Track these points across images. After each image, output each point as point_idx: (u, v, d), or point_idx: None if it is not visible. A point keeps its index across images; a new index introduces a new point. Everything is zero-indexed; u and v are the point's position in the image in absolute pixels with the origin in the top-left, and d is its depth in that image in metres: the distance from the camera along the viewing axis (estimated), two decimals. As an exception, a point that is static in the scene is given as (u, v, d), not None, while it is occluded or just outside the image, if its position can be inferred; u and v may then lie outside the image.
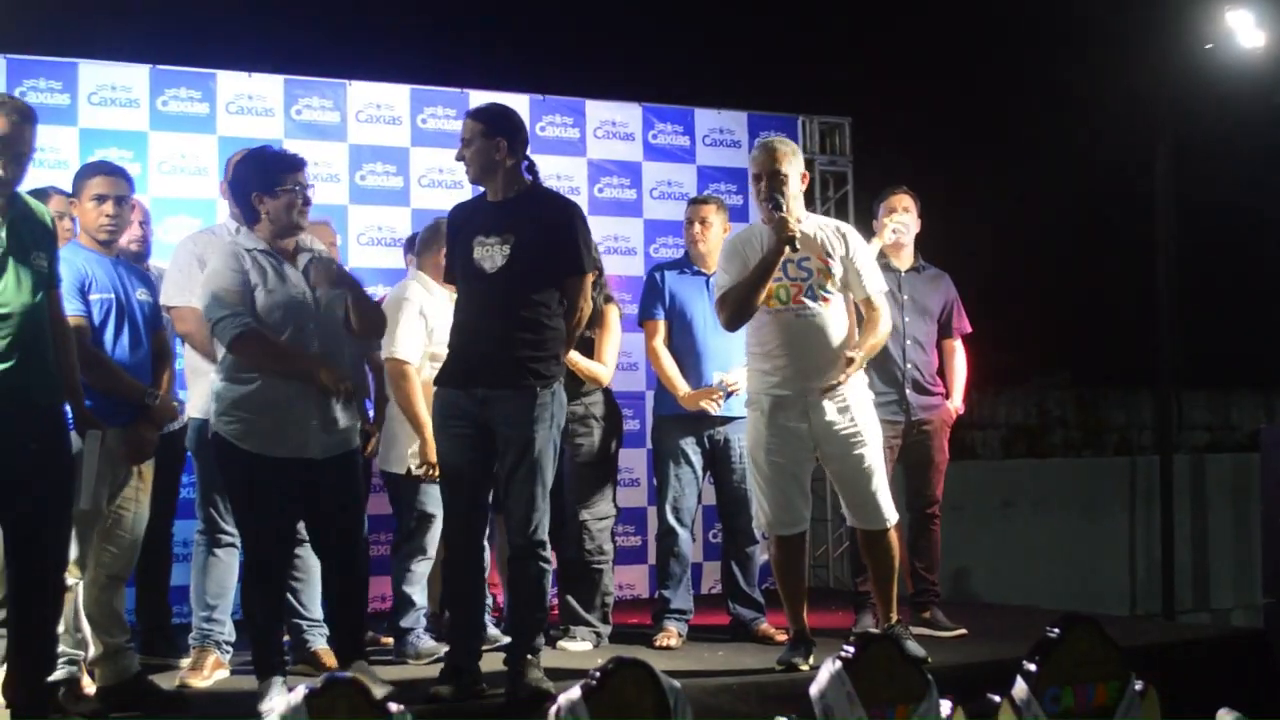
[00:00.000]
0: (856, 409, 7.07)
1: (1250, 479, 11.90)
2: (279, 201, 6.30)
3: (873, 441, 7.12)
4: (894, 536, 7.23)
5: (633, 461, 9.42)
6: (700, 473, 8.13)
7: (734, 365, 7.86)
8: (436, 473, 7.06)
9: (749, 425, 7.27)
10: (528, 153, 6.66)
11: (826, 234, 7.10)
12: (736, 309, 7.03)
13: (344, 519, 6.55)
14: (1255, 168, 13.58)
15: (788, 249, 6.83)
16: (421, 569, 7.56)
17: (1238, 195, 14.69)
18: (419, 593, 7.56)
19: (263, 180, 6.34)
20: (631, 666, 4.37)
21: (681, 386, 7.98)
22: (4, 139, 5.64)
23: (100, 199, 6.51)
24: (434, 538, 7.53)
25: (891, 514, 7.16)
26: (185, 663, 7.10)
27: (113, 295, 6.43)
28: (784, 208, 6.89)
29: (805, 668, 6.85)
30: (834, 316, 7.03)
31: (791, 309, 7.03)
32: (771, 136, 7.82)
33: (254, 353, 6.20)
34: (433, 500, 7.41)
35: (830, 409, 7.03)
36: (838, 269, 7.03)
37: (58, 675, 5.92)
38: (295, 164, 6.42)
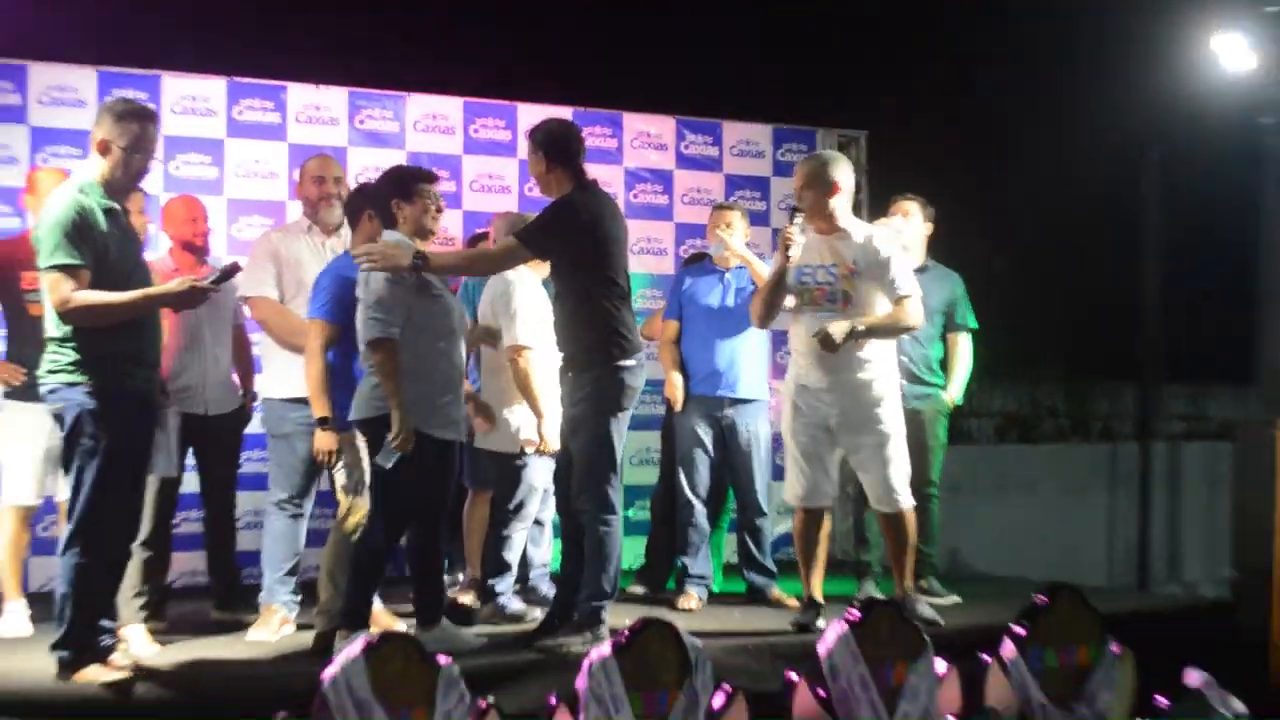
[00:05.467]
0: (875, 400, 7.13)
1: (1221, 466, 11.90)
2: (415, 207, 6.50)
3: (890, 431, 7.17)
4: (909, 517, 7.28)
5: (651, 440, 9.44)
6: (713, 451, 8.19)
7: (740, 350, 8.12)
8: (543, 448, 7.34)
9: (783, 409, 7.40)
10: (576, 160, 6.73)
11: (862, 248, 7.14)
12: (756, 310, 7.37)
13: (450, 497, 6.79)
14: (1237, 182, 13.59)
15: (790, 260, 7.04)
16: (519, 537, 7.59)
17: (1219, 206, 14.68)
18: (513, 556, 7.57)
19: (401, 189, 6.54)
20: (657, 626, 4.43)
21: (675, 383, 8.20)
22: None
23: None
24: (533, 509, 7.62)
25: (905, 500, 7.22)
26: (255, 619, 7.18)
27: None
28: (792, 222, 7.06)
29: (821, 625, 6.91)
30: (852, 317, 7.06)
31: (811, 309, 7.13)
32: (814, 153, 7.85)
33: (382, 360, 6.28)
34: (538, 476, 7.56)
35: (834, 399, 7.11)
36: (863, 278, 7.08)
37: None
38: (429, 176, 6.68)
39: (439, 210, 6.65)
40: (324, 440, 6.79)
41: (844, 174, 7.22)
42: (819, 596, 7.30)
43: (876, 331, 7.10)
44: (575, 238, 6.60)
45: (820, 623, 6.98)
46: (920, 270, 8.34)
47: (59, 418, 5.76)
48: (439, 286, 6.57)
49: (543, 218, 6.74)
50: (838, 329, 6.90)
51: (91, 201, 5.74)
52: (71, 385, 5.68)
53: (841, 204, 7.20)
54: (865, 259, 7.10)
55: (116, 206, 5.87)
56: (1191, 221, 15.49)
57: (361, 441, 6.58)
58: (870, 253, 7.11)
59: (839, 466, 7.43)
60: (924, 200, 8.47)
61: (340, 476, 6.80)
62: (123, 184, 5.92)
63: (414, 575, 6.73)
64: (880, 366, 7.19)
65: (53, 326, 5.74)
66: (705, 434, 8.13)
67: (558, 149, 6.69)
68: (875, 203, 10.31)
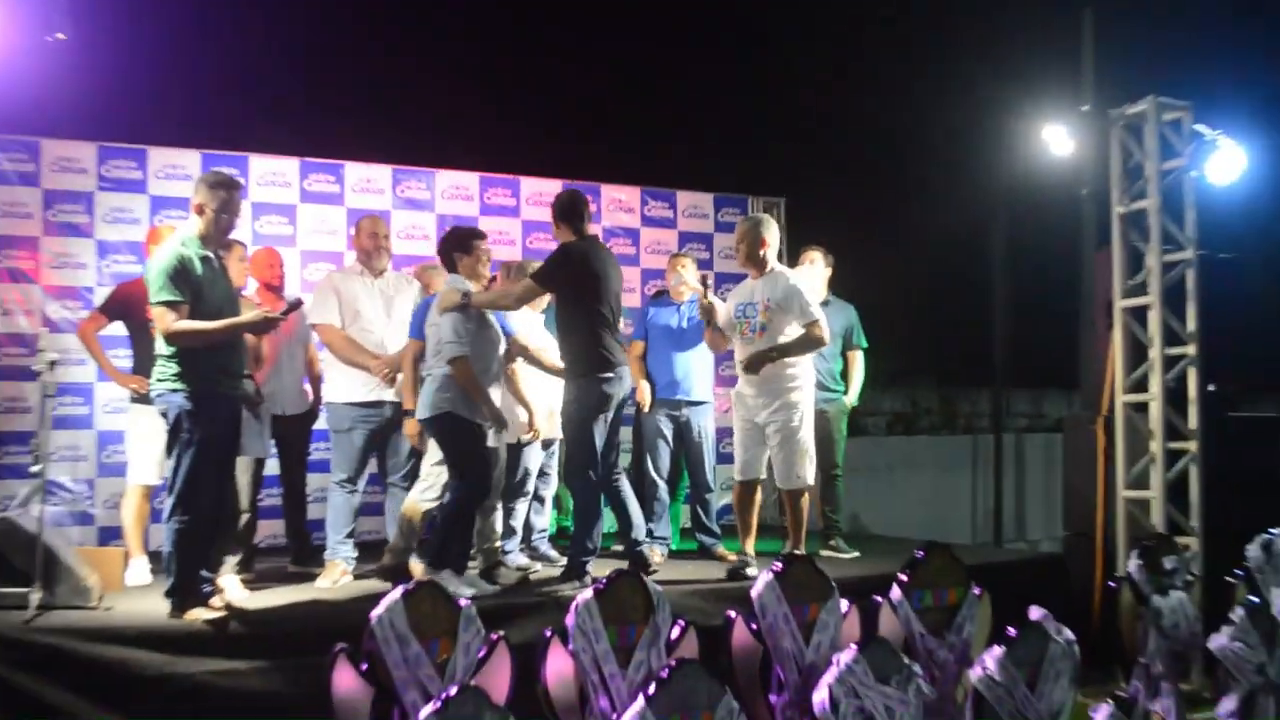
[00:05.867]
0: (792, 403, 7.15)
1: (1054, 451, 11.98)
2: (471, 258, 6.69)
3: (798, 427, 7.16)
4: (805, 495, 7.30)
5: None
6: (671, 441, 8.17)
7: (693, 363, 8.06)
8: (534, 436, 7.33)
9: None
10: (577, 221, 6.85)
11: (775, 288, 7.16)
12: (708, 344, 7.64)
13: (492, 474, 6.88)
14: (1063, 236, 13.69)
15: (718, 316, 7.32)
16: (521, 508, 7.55)
17: (1050, 253, 14.78)
18: (517, 523, 7.54)
19: (460, 244, 6.73)
20: (628, 576, 4.42)
21: (643, 389, 8.12)
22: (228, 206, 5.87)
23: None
24: (530, 486, 7.57)
25: (800, 482, 7.20)
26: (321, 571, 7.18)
27: None
28: (705, 297, 7.36)
29: (752, 573, 6.90)
30: (768, 342, 7.10)
31: (740, 337, 7.18)
32: (750, 216, 7.98)
33: (461, 371, 6.39)
34: (532, 460, 7.51)
35: (763, 403, 7.16)
36: (775, 312, 7.11)
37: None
38: (480, 235, 6.88)
39: (489, 259, 6.80)
40: (411, 425, 6.93)
41: (771, 233, 7.33)
42: (750, 551, 7.30)
43: (790, 350, 7.13)
44: (568, 275, 6.66)
45: (751, 571, 6.98)
46: (824, 303, 8.40)
47: (164, 415, 5.75)
48: (488, 318, 6.66)
49: (546, 262, 6.82)
50: (755, 358, 7.04)
51: (190, 252, 5.74)
52: (174, 391, 5.70)
53: (769, 255, 7.27)
54: (777, 295, 7.14)
55: (210, 254, 5.87)
56: (1031, 265, 15.58)
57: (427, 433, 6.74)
58: (782, 290, 7.16)
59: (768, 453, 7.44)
60: (824, 249, 8.54)
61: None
62: (215, 237, 5.91)
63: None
64: (801, 378, 7.23)
65: (160, 346, 5.74)
66: (666, 428, 8.12)
67: (563, 211, 6.88)
68: (792, 252, 10.34)
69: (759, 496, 7.49)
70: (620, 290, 6.90)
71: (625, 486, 6.96)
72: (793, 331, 7.15)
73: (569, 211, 6.86)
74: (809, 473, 7.24)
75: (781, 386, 7.12)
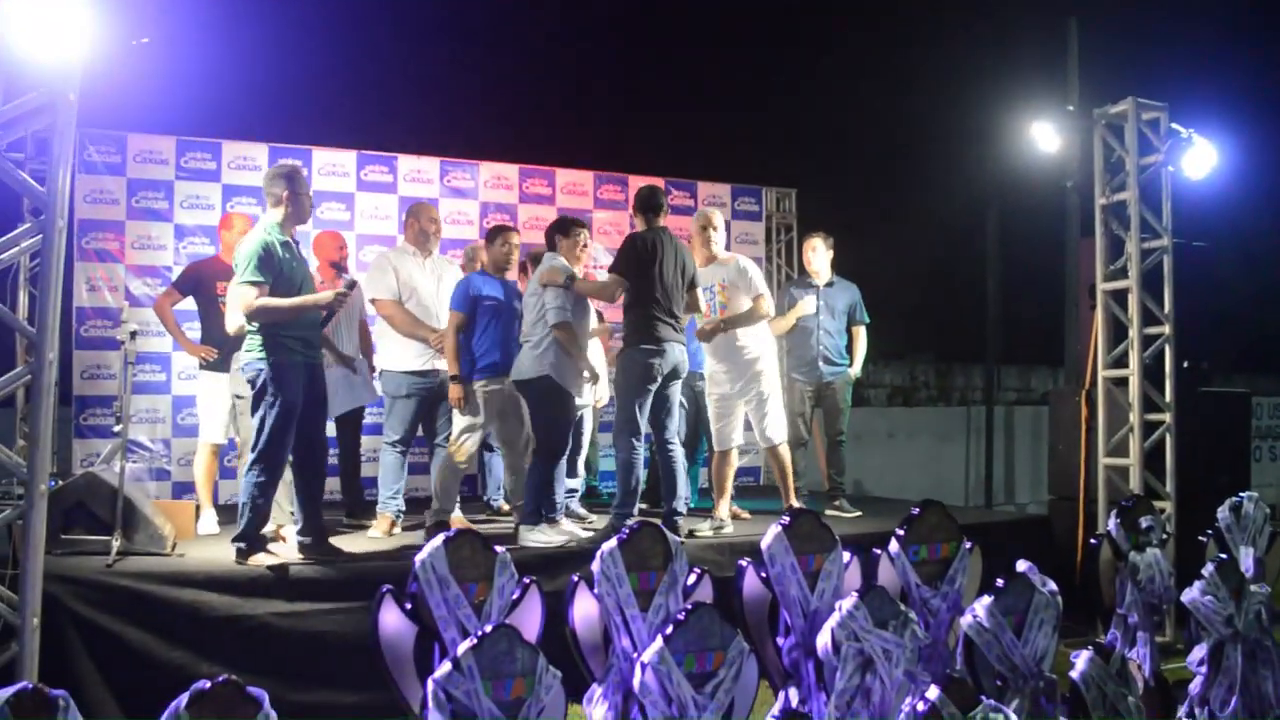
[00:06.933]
0: (757, 373, 7.18)
1: (1041, 423, 11.89)
2: (569, 240, 6.80)
3: (767, 393, 7.19)
4: (783, 450, 7.31)
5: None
6: (689, 409, 8.12)
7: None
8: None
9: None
10: (650, 213, 6.82)
11: (728, 270, 7.19)
12: None
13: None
14: (1050, 224, 13.56)
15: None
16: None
17: (1038, 241, 14.67)
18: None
19: (562, 229, 6.86)
20: (649, 527, 4.38)
21: None
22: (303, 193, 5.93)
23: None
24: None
25: (773, 440, 7.24)
26: (374, 524, 7.15)
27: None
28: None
29: (728, 530, 6.97)
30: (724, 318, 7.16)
31: (704, 318, 7.26)
32: (700, 210, 8.00)
33: (565, 335, 6.51)
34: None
35: (732, 377, 7.20)
36: (731, 290, 7.15)
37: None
38: (581, 224, 6.98)
39: (585, 245, 6.88)
40: (455, 390, 6.83)
41: (719, 221, 7.38)
42: (724, 515, 7.24)
43: (737, 322, 7.13)
44: (630, 259, 6.65)
45: (728, 529, 7.08)
46: (829, 284, 8.34)
47: (251, 382, 5.78)
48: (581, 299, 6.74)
49: (618, 251, 6.83)
50: (707, 329, 7.10)
51: (273, 238, 5.81)
52: (259, 359, 5.74)
53: (717, 241, 7.29)
54: (730, 276, 7.16)
55: (289, 239, 5.92)
56: (1020, 252, 15.50)
57: (482, 391, 6.80)
58: (733, 271, 7.18)
59: (744, 422, 7.40)
60: (825, 234, 8.46)
61: (464, 416, 6.87)
62: (295, 221, 5.97)
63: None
64: (761, 350, 7.23)
65: (240, 320, 5.78)
66: (685, 397, 8.05)
67: (639, 203, 6.88)
68: (800, 237, 10.26)
69: (735, 461, 7.44)
70: (675, 276, 6.73)
71: (676, 455, 6.82)
72: (747, 306, 7.17)
73: (644, 204, 6.84)
74: (781, 431, 7.28)
75: (744, 359, 7.16)
